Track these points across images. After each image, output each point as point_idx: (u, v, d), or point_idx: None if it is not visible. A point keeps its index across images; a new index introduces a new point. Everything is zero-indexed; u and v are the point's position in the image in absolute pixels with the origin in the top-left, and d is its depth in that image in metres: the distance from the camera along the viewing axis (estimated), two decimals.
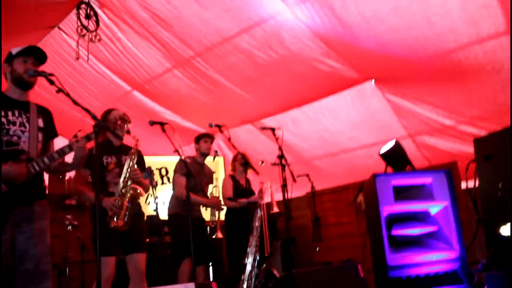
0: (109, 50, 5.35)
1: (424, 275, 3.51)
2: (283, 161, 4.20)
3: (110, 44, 5.24)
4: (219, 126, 4.16)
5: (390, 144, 4.08)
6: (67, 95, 2.66)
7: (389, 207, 3.54)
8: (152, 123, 3.41)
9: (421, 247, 3.62)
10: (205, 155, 4.78)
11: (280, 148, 4.15)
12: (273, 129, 4.28)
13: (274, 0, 4.03)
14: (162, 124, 3.43)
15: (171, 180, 5.53)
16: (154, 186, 3.39)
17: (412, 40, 4.15)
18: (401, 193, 3.64)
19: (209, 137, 4.86)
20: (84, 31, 4.74)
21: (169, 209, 4.60)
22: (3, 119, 2.69)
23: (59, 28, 5.21)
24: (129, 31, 4.99)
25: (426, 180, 3.73)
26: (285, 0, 4.01)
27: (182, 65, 5.30)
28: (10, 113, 2.73)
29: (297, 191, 5.00)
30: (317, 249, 5.79)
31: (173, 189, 4.63)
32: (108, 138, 3.58)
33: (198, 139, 4.86)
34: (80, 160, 2.92)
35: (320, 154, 6.34)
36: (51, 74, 2.66)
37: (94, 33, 4.80)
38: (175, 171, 4.61)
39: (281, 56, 4.66)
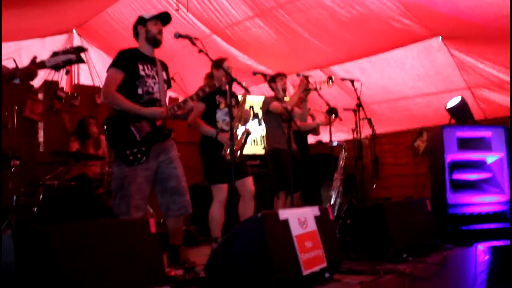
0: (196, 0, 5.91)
1: (477, 213, 4.22)
2: (359, 110, 4.77)
3: None
4: (264, 75, 4.62)
5: (456, 99, 4.66)
6: (207, 54, 3.32)
7: (452, 155, 4.21)
8: (178, 36, 3.23)
9: (476, 190, 4.32)
10: (284, 90, 5.06)
11: (358, 98, 4.72)
12: (352, 81, 4.82)
13: None
14: (190, 38, 3.26)
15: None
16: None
17: (485, 5, 4.57)
18: (463, 143, 4.28)
19: (284, 76, 5.14)
20: None
21: (268, 144, 5.08)
22: (142, 72, 3.30)
23: None
24: None
25: (486, 133, 4.34)
26: None
27: (264, 14, 5.84)
28: (146, 67, 3.34)
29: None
30: (374, 186, 6.52)
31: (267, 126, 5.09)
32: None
33: (274, 78, 5.10)
34: (189, 112, 3.63)
35: (381, 99, 6.89)
36: (195, 38, 3.31)
37: None
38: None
39: (361, 14, 5.17)
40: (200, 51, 3.33)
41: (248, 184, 4.11)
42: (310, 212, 2.80)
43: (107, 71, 3.29)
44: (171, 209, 3.30)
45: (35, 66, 2.53)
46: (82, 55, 2.69)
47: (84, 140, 5.40)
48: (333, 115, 4.64)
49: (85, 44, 7.54)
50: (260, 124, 4.05)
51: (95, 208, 4.60)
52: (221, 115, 4.11)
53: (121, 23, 6.75)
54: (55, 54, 2.61)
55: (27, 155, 5.66)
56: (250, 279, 2.47)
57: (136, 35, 3.46)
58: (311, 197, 5.29)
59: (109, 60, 7.59)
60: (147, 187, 3.23)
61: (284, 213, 2.61)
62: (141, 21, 3.41)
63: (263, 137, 5.26)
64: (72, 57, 2.60)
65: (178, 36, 3.35)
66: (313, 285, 2.65)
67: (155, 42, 3.39)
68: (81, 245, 1.92)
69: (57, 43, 7.23)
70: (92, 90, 6.77)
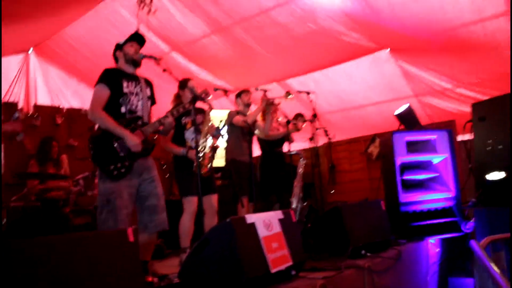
0: (156, 17, 6.09)
1: (426, 210, 4.57)
2: (315, 119, 5.10)
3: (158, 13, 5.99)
4: (225, 91, 4.85)
5: (404, 106, 5.04)
6: (171, 73, 3.52)
7: (402, 157, 4.55)
8: (143, 56, 3.52)
9: (425, 189, 4.67)
10: (248, 105, 5.35)
11: (314, 109, 5.05)
12: (307, 93, 5.14)
13: None
14: (155, 58, 3.50)
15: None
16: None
17: (426, 21, 5.00)
18: (412, 146, 4.64)
19: (248, 92, 5.43)
20: (142, 3, 5.50)
21: (228, 156, 5.32)
22: (126, 89, 3.44)
23: None
24: (176, 3, 5.75)
25: (431, 136, 4.72)
26: None
27: (220, 31, 6.09)
28: (129, 84, 3.48)
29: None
30: (332, 191, 6.84)
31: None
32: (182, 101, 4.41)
33: (240, 93, 5.41)
34: (170, 128, 3.80)
35: (334, 109, 7.27)
36: (159, 58, 3.50)
37: (150, 5, 5.56)
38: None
39: (313, 30, 5.49)
40: (164, 70, 3.53)
41: (213, 201, 4.33)
42: (274, 216, 3.02)
43: (94, 87, 3.39)
44: (148, 227, 3.40)
45: None
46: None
47: (45, 161, 5.43)
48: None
49: (43, 64, 7.55)
50: (219, 133, 4.24)
51: (62, 227, 4.66)
52: (189, 135, 4.31)
53: (79, 41, 6.82)
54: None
55: None
56: (222, 280, 2.66)
57: (116, 60, 3.62)
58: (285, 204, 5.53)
59: (67, 79, 7.74)
60: (131, 203, 3.33)
61: (250, 218, 2.82)
62: (118, 47, 3.58)
63: (224, 149, 5.49)
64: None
65: (143, 56, 3.56)
66: (280, 283, 2.87)
67: (134, 62, 3.54)
68: (60, 257, 2.02)
69: (14, 63, 7.21)
70: (52, 110, 6.78)
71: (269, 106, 5.17)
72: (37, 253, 1.93)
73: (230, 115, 5.20)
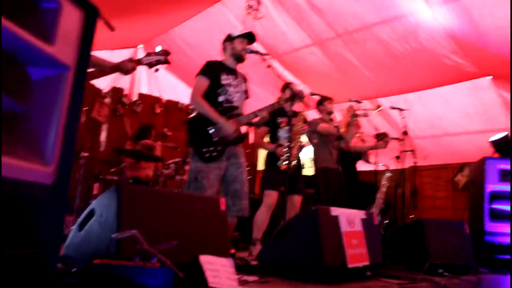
0: (261, 23, 6.38)
1: None
2: (405, 138, 5.05)
3: (262, 20, 6.27)
4: (321, 96, 4.92)
5: (501, 134, 4.85)
6: (273, 70, 3.71)
7: (493, 185, 4.38)
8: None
9: None
10: (330, 113, 5.35)
11: (405, 126, 5.01)
12: (401, 109, 5.11)
13: None
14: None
15: None
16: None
17: None
18: (505, 176, 4.45)
19: (331, 100, 5.44)
20: (250, 9, 5.81)
21: (316, 164, 5.37)
22: (224, 81, 3.75)
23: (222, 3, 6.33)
24: (282, 12, 5.99)
25: None
26: (428, 0, 4.80)
27: (321, 43, 6.24)
28: (229, 77, 3.76)
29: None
30: (412, 216, 6.66)
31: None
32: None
33: (322, 101, 5.42)
34: (263, 121, 3.98)
35: (425, 134, 7.10)
36: (266, 54, 3.71)
37: (256, 11, 5.86)
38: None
39: (414, 49, 5.47)
40: (269, 66, 3.74)
41: (296, 202, 4.44)
42: (358, 214, 3.08)
43: (195, 78, 3.70)
44: (230, 210, 3.55)
45: (134, 62, 3.02)
46: (168, 58, 3.19)
47: (138, 144, 5.86)
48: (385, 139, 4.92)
49: None
50: (310, 138, 4.36)
51: None
52: (282, 134, 4.51)
53: (186, 42, 7.29)
54: (148, 54, 3.13)
55: (88, 152, 6.18)
56: (299, 265, 2.75)
57: (224, 50, 3.89)
58: None
59: (168, 76, 8.26)
60: (217, 184, 3.57)
61: (335, 211, 2.90)
62: (228, 38, 3.85)
63: (311, 160, 5.58)
64: (161, 58, 3.12)
65: (250, 51, 3.79)
66: (355, 281, 2.90)
67: (239, 57, 3.81)
68: (166, 207, 2.26)
69: (124, 56, 7.84)
70: (152, 100, 7.29)
71: (354, 117, 5.20)
72: (144, 198, 2.17)
73: (314, 123, 5.25)
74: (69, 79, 1.48)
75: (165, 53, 3.18)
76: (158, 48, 3.25)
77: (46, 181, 1.41)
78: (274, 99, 4.74)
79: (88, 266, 1.76)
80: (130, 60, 3.03)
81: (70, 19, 1.46)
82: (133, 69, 3.03)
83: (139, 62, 3.06)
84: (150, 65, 3.09)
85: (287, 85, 4.42)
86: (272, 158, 4.39)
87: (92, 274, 1.76)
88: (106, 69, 2.97)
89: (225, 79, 3.72)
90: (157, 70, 3.23)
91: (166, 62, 3.19)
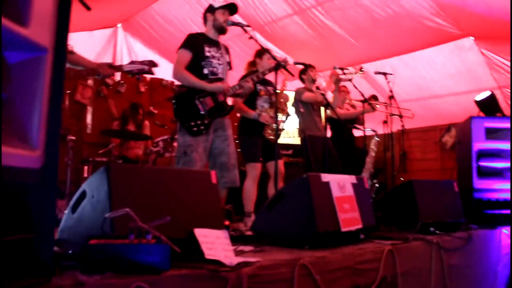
0: None
1: (502, 200, 4.44)
2: (391, 102, 5.07)
3: None
4: (305, 65, 4.88)
5: (486, 93, 4.89)
6: (256, 41, 3.67)
7: (480, 144, 4.44)
8: (231, 23, 3.70)
9: (502, 178, 4.52)
10: (313, 81, 5.29)
11: (391, 91, 5.02)
12: (385, 74, 5.11)
13: None
14: (242, 25, 3.66)
15: None
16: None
17: None
18: (491, 134, 4.51)
19: (313, 67, 5.41)
20: None
21: (302, 132, 5.34)
22: (208, 53, 3.72)
23: None
24: None
25: None
26: None
27: (302, 12, 6.18)
28: (211, 49, 3.74)
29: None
30: (401, 179, 6.75)
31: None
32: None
33: (305, 69, 5.37)
34: (249, 91, 3.99)
35: (411, 97, 7.14)
36: (248, 26, 3.67)
37: None
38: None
39: (396, 13, 5.45)
40: (251, 37, 3.69)
41: (280, 165, 4.40)
42: (348, 179, 3.10)
43: (177, 52, 3.66)
44: (219, 182, 3.57)
45: (114, 68, 3.00)
46: (153, 69, 3.13)
47: (128, 124, 5.82)
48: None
49: (129, 38, 8.02)
50: (297, 107, 4.34)
51: None
52: (260, 102, 4.43)
53: (166, 18, 7.17)
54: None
55: (74, 136, 6.13)
56: (293, 233, 2.78)
57: (204, 21, 3.85)
58: None
59: (150, 54, 8.14)
60: (205, 157, 3.59)
61: (325, 177, 2.92)
62: (210, 9, 3.80)
63: (296, 129, 5.58)
64: (145, 68, 3.07)
65: (231, 23, 3.74)
66: (349, 244, 2.95)
67: (221, 29, 3.77)
68: (156, 184, 2.25)
69: (104, 36, 7.72)
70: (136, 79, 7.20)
71: (337, 82, 5.18)
72: (134, 177, 2.16)
73: (299, 92, 5.23)
74: (48, 62, 1.45)
75: (151, 63, 3.13)
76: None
77: (35, 166, 1.40)
78: (245, 65, 4.68)
79: (84, 247, 1.77)
80: (110, 65, 3.00)
81: (43, 0, 1.42)
82: (111, 74, 3.02)
83: (119, 68, 3.04)
84: (131, 73, 3.05)
85: (262, 51, 4.36)
86: (249, 126, 4.31)
87: (88, 254, 1.76)
88: (83, 71, 2.96)
89: (208, 51, 3.70)
90: (138, 79, 3.22)
91: (149, 72, 3.14)
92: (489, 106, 4.92)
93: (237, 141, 4.52)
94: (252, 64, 4.68)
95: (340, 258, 2.49)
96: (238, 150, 4.54)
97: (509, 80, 6.00)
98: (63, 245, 2.08)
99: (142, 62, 3.07)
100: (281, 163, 4.47)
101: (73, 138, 4.89)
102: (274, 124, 4.13)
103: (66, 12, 1.53)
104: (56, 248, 1.97)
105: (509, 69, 5.85)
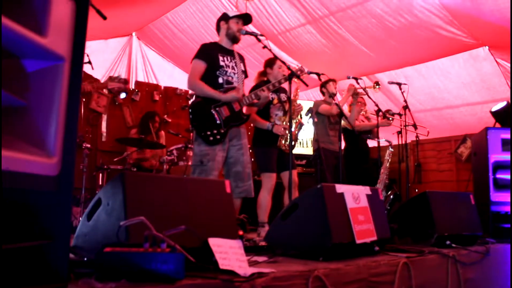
0: (254, 5, 6.32)
1: None
2: (406, 112, 5.03)
3: (256, 1, 6.21)
4: (318, 74, 4.83)
5: (502, 104, 4.83)
6: (270, 50, 3.67)
7: (496, 155, 4.37)
8: (245, 32, 3.69)
9: None
10: (333, 95, 5.25)
11: (405, 101, 4.99)
12: (399, 84, 5.08)
13: None
14: (256, 34, 3.64)
15: None
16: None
17: None
18: (507, 145, 4.44)
19: (334, 81, 5.51)
20: None
21: (316, 144, 5.32)
22: (222, 63, 3.74)
23: None
24: None
25: None
26: None
27: (315, 21, 6.19)
28: (225, 59, 3.75)
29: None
30: (416, 190, 6.68)
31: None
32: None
33: (325, 83, 5.42)
34: (265, 101, 3.98)
35: (425, 108, 7.09)
36: (261, 35, 3.67)
37: None
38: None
39: (409, 22, 5.43)
40: (264, 47, 3.68)
41: (294, 176, 4.37)
42: (362, 190, 3.07)
43: (191, 62, 3.68)
44: (234, 192, 3.56)
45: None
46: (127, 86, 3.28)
47: (144, 133, 5.83)
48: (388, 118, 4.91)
49: (143, 47, 8.10)
50: (312, 117, 4.32)
51: None
52: (274, 110, 4.42)
53: (179, 27, 7.23)
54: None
55: (90, 143, 6.17)
56: (308, 244, 2.75)
57: (218, 29, 3.87)
58: None
59: (164, 62, 8.21)
60: (221, 166, 3.58)
61: (340, 188, 2.89)
62: (224, 17, 3.82)
63: (311, 139, 5.59)
64: (122, 86, 3.16)
65: (245, 33, 3.75)
66: (363, 256, 2.91)
67: (234, 38, 3.80)
68: (171, 193, 2.24)
69: (118, 45, 7.80)
70: (150, 87, 7.25)
71: (356, 96, 5.18)
72: (149, 185, 2.16)
73: (316, 104, 5.28)
74: (65, 70, 1.47)
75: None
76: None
77: (51, 173, 1.41)
78: (255, 76, 4.67)
79: (99, 255, 1.76)
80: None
81: (61, 10, 1.44)
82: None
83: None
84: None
85: (272, 61, 4.36)
86: (264, 137, 4.28)
87: (103, 262, 1.76)
88: None
89: (222, 60, 3.72)
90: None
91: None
92: (505, 117, 4.85)
93: (251, 151, 4.52)
94: (262, 74, 4.68)
95: (354, 270, 2.45)
96: (253, 160, 4.55)
97: None
98: (78, 252, 2.08)
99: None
100: (295, 173, 4.44)
101: (88, 146, 4.91)
102: (288, 133, 4.11)
103: (83, 22, 1.54)
104: (71, 255, 1.97)
105: None
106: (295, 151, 5.46)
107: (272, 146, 4.30)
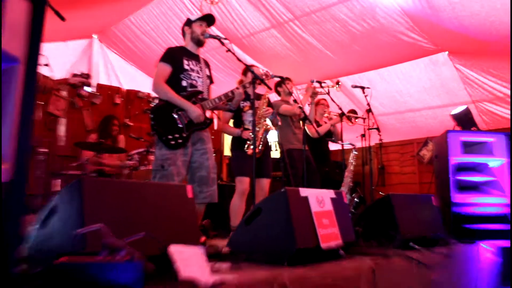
0: (218, 8, 6.25)
1: (480, 214, 4.45)
2: (369, 116, 5.07)
3: (220, 5, 6.15)
4: (281, 78, 4.81)
5: (461, 107, 4.94)
6: (233, 54, 3.62)
7: (456, 157, 4.46)
8: (209, 36, 3.66)
9: (479, 192, 4.55)
10: (290, 94, 5.22)
11: (368, 104, 5.03)
12: (362, 87, 5.12)
13: None
14: (219, 38, 3.62)
15: None
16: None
17: (488, 24, 4.89)
18: (467, 147, 4.54)
19: (290, 80, 5.34)
20: None
21: (283, 145, 5.21)
22: (187, 66, 3.67)
23: None
24: None
25: (488, 139, 4.61)
26: None
27: (280, 25, 6.18)
28: (190, 63, 3.69)
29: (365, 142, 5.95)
30: (380, 193, 6.75)
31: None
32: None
33: (281, 82, 5.35)
34: (237, 103, 3.93)
35: (388, 111, 7.19)
36: (225, 38, 3.61)
37: None
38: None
39: (372, 27, 5.48)
40: (228, 50, 3.63)
41: (264, 185, 4.35)
42: (327, 194, 3.05)
43: (156, 65, 3.60)
44: (197, 197, 3.48)
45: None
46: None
47: (103, 137, 5.65)
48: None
49: (105, 49, 7.90)
50: (275, 117, 4.28)
51: None
52: (247, 117, 4.40)
53: (142, 29, 7.07)
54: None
55: (47, 148, 5.93)
56: (272, 250, 2.70)
57: (183, 35, 3.83)
58: None
59: (126, 65, 8.03)
60: (184, 171, 3.47)
61: (304, 191, 2.86)
62: (187, 22, 3.78)
63: (276, 142, 5.53)
64: (84, 80, 3.06)
65: (209, 36, 3.69)
66: (329, 261, 2.88)
67: (199, 41, 3.74)
68: (131, 198, 2.16)
69: (79, 47, 7.58)
70: (112, 90, 7.06)
71: (314, 96, 5.17)
72: (108, 191, 2.07)
73: (276, 105, 5.19)
74: (20, 72, 1.41)
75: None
76: None
77: (3, 179, 1.33)
78: (235, 83, 4.66)
79: (52, 265, 1.66)
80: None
81: (16, 10, 1.39)
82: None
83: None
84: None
85: (248, 68, 4.35)
86: (238, 143, 4.30)
87: (56, 273, 1.66)
88: None
89: (187, 64, 3.66)
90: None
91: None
92: (464, 120, 4.96)
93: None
94: (240, 82, 4.65)
95: (319, 275, 2.42)
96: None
97: (482, 95, 6.09)
98: (31, 262, 1.96)
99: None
100: (267, 183, 4.39)
101: (45, 150, 4.71)
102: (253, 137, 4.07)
103: (40, 23, 1.49)
104: (23, 266, 1.85)
105: (482, 85, 5.94)
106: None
107: (245, 150, 4.27)
